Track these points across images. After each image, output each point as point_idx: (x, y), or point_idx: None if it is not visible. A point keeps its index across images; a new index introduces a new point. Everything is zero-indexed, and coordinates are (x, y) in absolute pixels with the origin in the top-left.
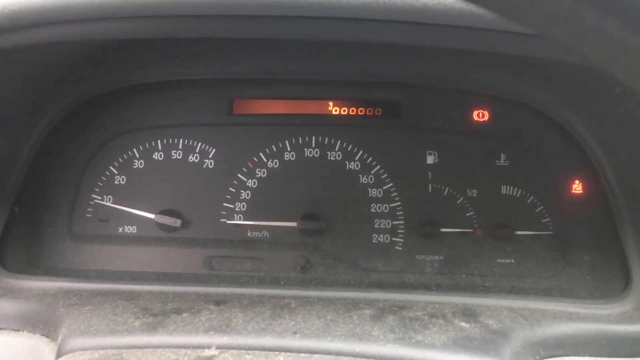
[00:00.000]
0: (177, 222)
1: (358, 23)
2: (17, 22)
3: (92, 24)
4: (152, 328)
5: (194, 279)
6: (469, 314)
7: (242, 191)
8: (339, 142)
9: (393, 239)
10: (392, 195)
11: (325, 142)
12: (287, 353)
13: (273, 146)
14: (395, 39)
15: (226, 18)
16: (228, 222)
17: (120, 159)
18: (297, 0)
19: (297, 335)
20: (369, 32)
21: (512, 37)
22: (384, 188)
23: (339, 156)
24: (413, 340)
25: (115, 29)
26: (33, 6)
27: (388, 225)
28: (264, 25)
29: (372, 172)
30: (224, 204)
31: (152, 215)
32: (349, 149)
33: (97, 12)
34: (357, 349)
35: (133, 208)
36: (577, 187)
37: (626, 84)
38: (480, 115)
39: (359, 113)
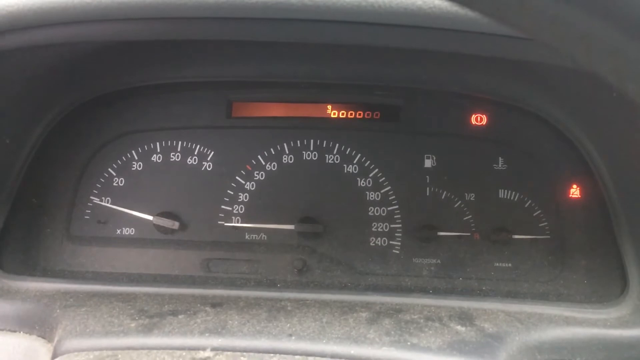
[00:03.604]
0: (175, 225)
1: (354, 26)
2: (15, 24)
3: (89, 26)
4: (147, 330)
5: (191, 281)
6: (465, 317)
7: (240, 194)
8: (337, 145)
9: (390, 242)
10: (390, 198)
11: (324, 145)
12: (282, 355)
13: (271, 149)
14: (391, 43)
15: (225, 20)
16: (226, 224)
17: (119, 161)
18: (294, 3)
19: (293, 338)
20: (366, 35)
21: (505, 40)
22: (382, 191)
23: (337, 159)
24: (408, 344)
25: (113, 31)
26: (31, 7)
27: (386, 228)
28: (262, 28)
29: (370, 175)
30: (222, 207)
31: (150, 217)
32: (347, 152)
33: (94, 14)
34: (352, 352)
35: (131, 210)
36: (574, 192)
37: (616, 87)
38: (479, 120)
39: (357, 116)
